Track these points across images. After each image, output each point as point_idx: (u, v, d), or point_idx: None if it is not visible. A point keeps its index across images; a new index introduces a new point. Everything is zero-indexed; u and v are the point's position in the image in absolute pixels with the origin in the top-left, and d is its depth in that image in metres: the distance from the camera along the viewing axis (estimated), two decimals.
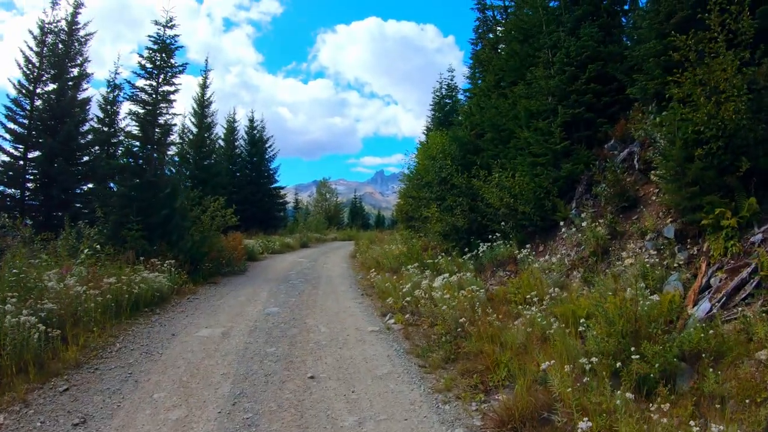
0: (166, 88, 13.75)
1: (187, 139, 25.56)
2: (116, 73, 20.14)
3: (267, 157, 33.94)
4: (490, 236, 11.50)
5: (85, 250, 9.45)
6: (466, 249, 11.89)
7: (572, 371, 4.67)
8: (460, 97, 24.96)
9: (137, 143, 13.42)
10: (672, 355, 5.00)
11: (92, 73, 19.14)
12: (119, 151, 16.60)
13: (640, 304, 5.79)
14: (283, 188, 35.55)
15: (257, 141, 33.60)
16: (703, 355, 4.96)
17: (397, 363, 6.34)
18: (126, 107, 14.79)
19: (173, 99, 13.85)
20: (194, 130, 25.94)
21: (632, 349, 4.95)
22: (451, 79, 26.63)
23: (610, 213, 9.15)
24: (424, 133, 29.30)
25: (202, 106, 26.42)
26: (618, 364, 4.87)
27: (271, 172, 34.11)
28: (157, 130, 13.46)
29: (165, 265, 10.66)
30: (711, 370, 4.66)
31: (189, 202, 14.65)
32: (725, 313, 5.89)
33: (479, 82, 17.77)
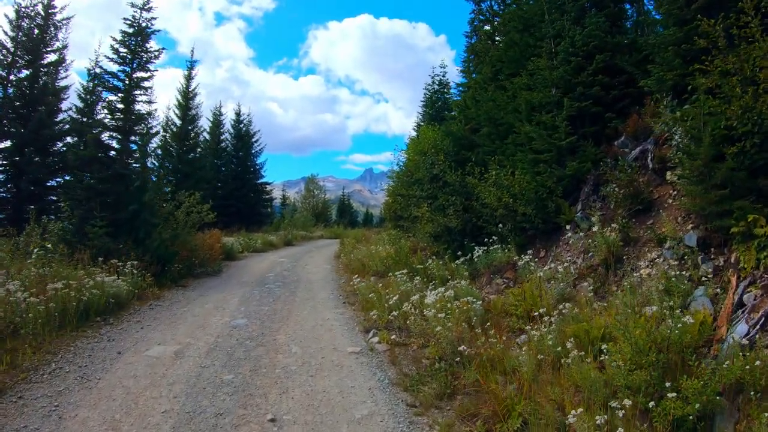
0: (140, 74, 12.76)
1: (170, 132, 24.86)
2: (96, 62, 19.18)
3: (253, 151, 33.31)
4: (486, 239, 10.57)
5: (35, 250, 8.34)
6: (459, 252, 10.97)
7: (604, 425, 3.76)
8: (453, 92, 24.21)
9: (107, 132, 12.38)
10: (713, 391, 4.11)
11: (72, 61, 18.30)
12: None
13: (670, 326, 4.91)
14: (269, 184, 34.84)
15: (243, 135, 32.86)
16: (751, 392, 4.09)
17: (380, 399, 5.22)
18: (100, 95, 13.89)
19: (148, 86, 12.83)
20: (178, 122, 25.22)
21: (667, 384, 4.14)
22: (443, 75, 25.93)
23: (622, 216, 8.28)
24: (414, 129, 28.84)
25: (187, 97, 25.78)
26: (651, 404, 4.03)
27: (258, 167, 33.47)
28: (131, 118, 12.47)
29: (127, 266, 9.48)
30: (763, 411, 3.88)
31: (161, 197, 13.52)
32: (765, 336, 5.02)
33: (474, 75, 16.85)
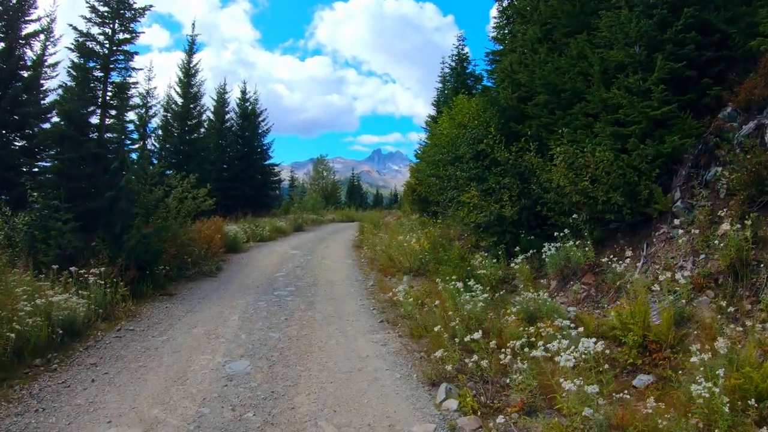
0: (122, 36, 10.66)
1: (171, 111, 22.94)
2: (87, 34, 17.10)
3: (260, 131, 31.38)
4: (553, 232, 8.46)
5: None
6: (517, 248, 8.89)
7: None
8: (481, 62, 22.36)
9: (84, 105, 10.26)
10: None
11: (62, 35, 16.18)
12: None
13: None
14: (277, 165, 32.97)
15: (249, 114, 30.92)
16: None
17: None
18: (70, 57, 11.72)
19: (133, 51, 10.72)
20: (179, 101, 23.23)
21: None
22: (462, 49, 24.31)
23: (744, 209, 6.20)
24: (433, 104, 27.59)
25: (188, 74, 23.68)
26: None
27: (264, 147, 31.56)
28: (111, 87, 10.40)
29: (92, 274, 7.15)
30: None
31: (149, 180, 11.22)
32: None
33: (517, 35, 14.54)
